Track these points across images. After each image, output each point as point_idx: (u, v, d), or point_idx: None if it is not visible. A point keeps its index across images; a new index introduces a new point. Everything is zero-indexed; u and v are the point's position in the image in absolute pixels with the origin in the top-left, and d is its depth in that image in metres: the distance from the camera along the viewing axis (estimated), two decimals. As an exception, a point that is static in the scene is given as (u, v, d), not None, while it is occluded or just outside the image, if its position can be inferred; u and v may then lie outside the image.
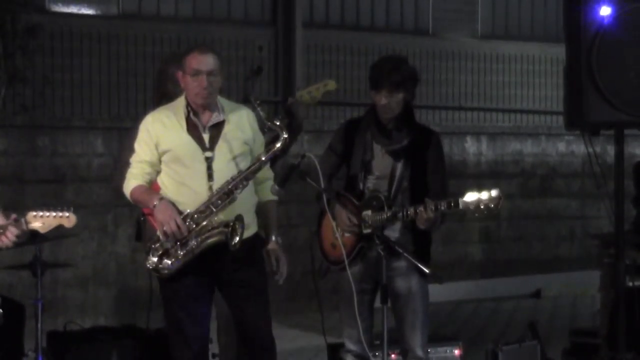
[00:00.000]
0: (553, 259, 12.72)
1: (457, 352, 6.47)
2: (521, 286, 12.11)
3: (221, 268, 5.27)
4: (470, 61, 13.41)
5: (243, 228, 5.15)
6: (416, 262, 5.17)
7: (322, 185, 5.23)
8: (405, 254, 5.22)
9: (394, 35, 12.73)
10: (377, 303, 5.42)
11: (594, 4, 5.69)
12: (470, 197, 5.14)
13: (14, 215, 5.04)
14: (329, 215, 5.48)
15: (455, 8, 13.65)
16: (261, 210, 5.46)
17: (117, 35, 10.95)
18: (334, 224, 5.43)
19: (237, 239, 5.12)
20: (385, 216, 5.42)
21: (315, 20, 12.47)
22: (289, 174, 5.11)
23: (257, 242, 5.39)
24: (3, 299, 5.90)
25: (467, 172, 12.01)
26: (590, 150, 6.01)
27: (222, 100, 5.38)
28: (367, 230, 5.46)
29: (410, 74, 5.56)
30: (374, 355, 5.67)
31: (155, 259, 5.23)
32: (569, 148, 13.01)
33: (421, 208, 5.27)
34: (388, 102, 5.49)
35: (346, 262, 5.34)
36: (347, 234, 5.51)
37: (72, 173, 9.73)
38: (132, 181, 5.35)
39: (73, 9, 11.10)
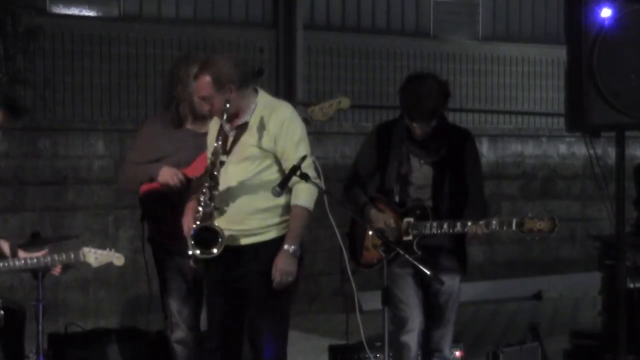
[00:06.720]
0: (554, 261, 12.70)
1: (458, 354, 6.46)
2: (522, 288, 12.09)
3: (235, 273, 5.24)
4: (471, 63, 13.41)
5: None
6: (420, 266, 5.14)
7: (323, 187, 5.21)
8: (411, 260, 5.18)
9: (395, 37, 12.72)
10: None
11: (595, 5, 5.67)
12: (527, 221, 5.21)
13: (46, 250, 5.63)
14: (372, 215, 5.48)
15: (456, 10, 13.65)
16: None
17: (118, 37, 10.95)
18: (370, 233, 5.39)
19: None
20: (430, 227, 5.42)
21: (316, 22, 12.46)
22: (290, 175, 5.10)
23: (272, 250, 5.24)
24: (4, 300, 5.91)
25: (468, 174, 11.98)
26: (591, 152, 6.01)
27: (260, 97, 5.24)
28: (407, 238, 5.45)
29: (444, 95, 5.48)
30: (375, 357, 5.66)
31: (197, 251, 5.17)
32: (570, 150, 13.00)
33: (472, 225, 5.30)
34: (424, 131, 5.48)
35: (348, 265, 5.34)
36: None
37: (73, 175, 9.71)
38: None
39: (74, 11, 11.10)
